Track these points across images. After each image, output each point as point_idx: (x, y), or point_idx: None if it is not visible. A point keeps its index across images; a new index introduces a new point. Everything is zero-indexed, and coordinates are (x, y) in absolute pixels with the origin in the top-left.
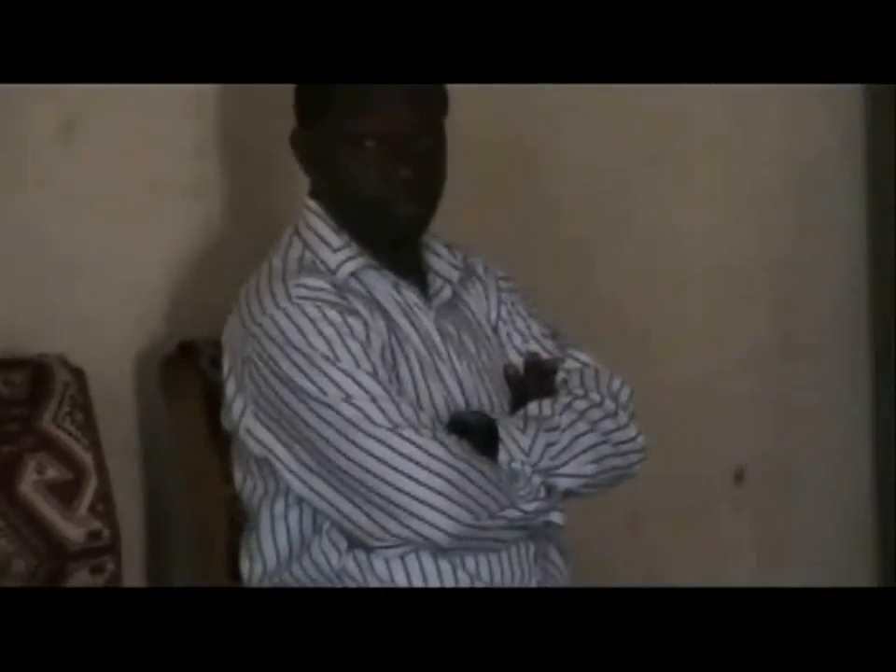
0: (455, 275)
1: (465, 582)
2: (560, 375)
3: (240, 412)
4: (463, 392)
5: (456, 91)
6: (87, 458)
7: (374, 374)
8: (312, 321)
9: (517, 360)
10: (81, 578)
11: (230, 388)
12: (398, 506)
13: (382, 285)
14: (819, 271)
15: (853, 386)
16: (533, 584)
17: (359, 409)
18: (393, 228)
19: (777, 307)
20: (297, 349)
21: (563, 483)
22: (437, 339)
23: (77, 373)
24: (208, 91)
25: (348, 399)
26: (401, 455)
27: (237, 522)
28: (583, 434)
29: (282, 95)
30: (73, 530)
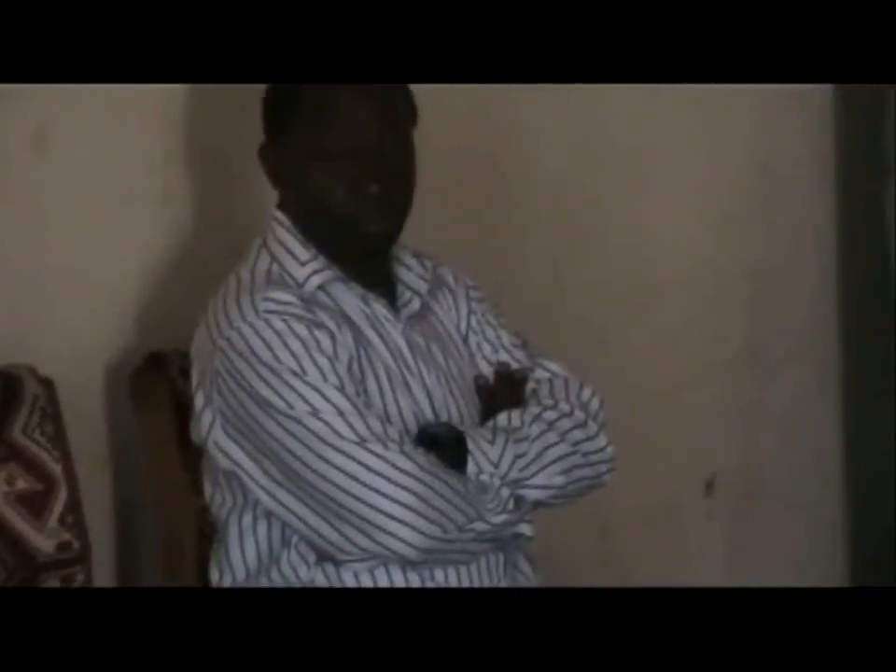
0: (423, 287)
1: None
2: (530, 385)
3: (208, 425)
4: (432, 404)
5: (425, 103)
6: (57, 469)
7: (341, 388)
8: (279, 335)
9: (487, 371)
10: None
11: (198, 401)
12: (365, 520)
13: (350, 297)
14: (789, 279)
15: (824, 394)
16: None
17: (326, 423)
18: (362, 243)
19: (748, 315)
20: (264, 363)
21: (532, 495)
22: (406, 351)
23: (47, 384)
24: (177, 100)
25: (315, 413)
26: (369, 468)
27: (207, 533)
28: (553, 445)
29: (251, 105)
30: (43, 541)
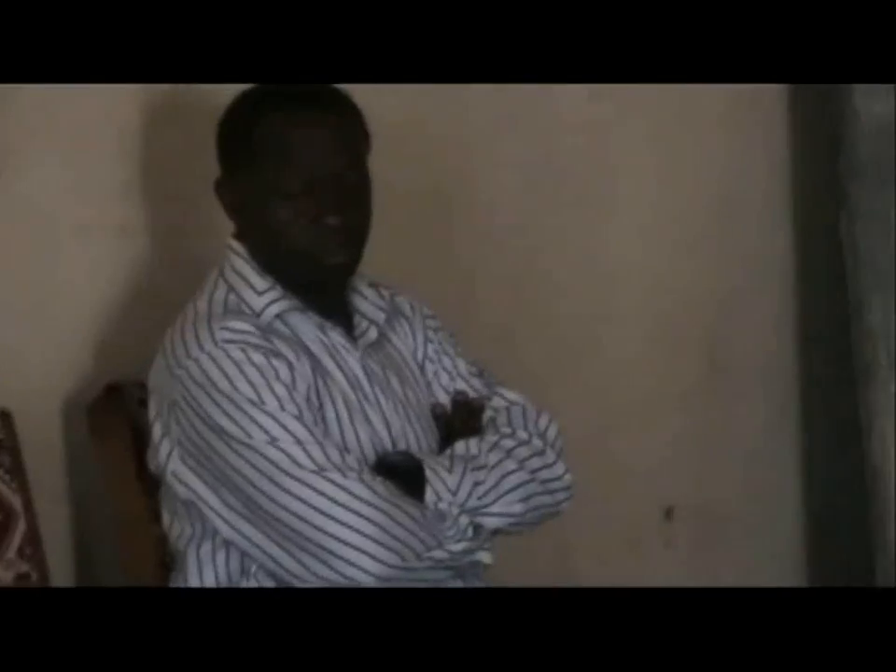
0: (380, 316)
1: None
2: (487, 413)
3: (166, 455)
4: (390, 432)
5: (379, 135)
6: (15, 501)
7: (300, 417)
8: (236, 364)
9: (444, 399)
10: None
11: (156, 431)
12: (323, 549)
13: (307, 326)
14: (748, 308)
15: (783, 423)
16: None
17: (285, 452)
18: (322, 275)
19: (707, 344)
20: (222, 393)
21: (490, 523)
22: (363, 380)
23: (5, 416)
24: (134, 131)
25: (273, 442)
26: (327, 497)
27: (166, 563)
28: (511, 473)
29: (208, 136)
30: (1, 573)
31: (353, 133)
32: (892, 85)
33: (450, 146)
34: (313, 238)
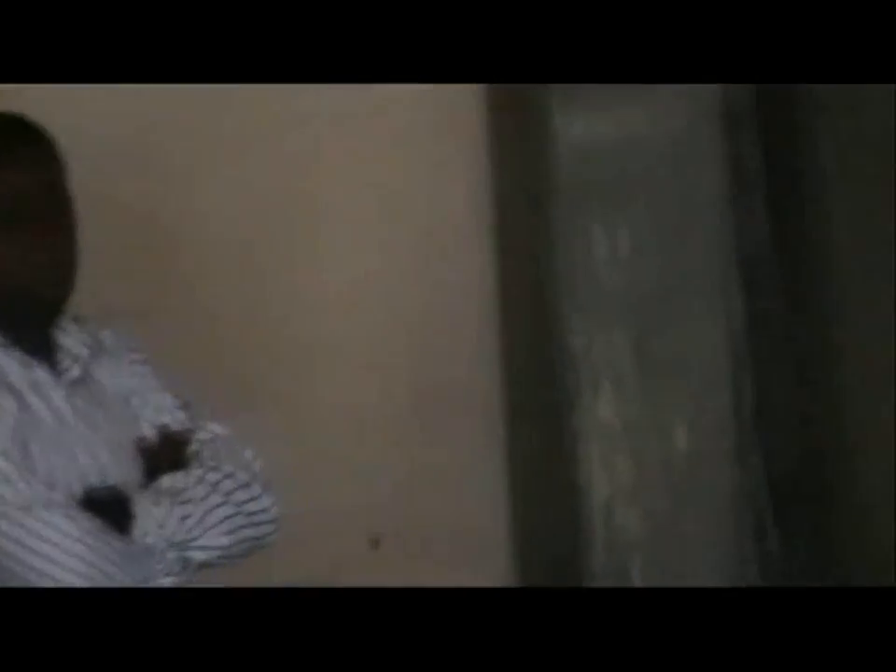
0: (84, 352)
1: None
2: (193, 447)
3: None
4: (97, 468)
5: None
6: None
7: (4, 454)
8: None
9: (150, 433)
10: None
11: None
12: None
13: (10, 364)
14: (451, 333)
15: (490, 448)
16: None
17: None
18: (33, 312)
19: (410, 370)
20: None
21: (198, 556)
22: (69, 416)
23: None
24: None
25: None
26: (33, 534)
27: None
28: (217, 506)
29: None
30: None
31: (49, 162)
32: (590, 107)
33: (172, 161)
34: (21, 275)
